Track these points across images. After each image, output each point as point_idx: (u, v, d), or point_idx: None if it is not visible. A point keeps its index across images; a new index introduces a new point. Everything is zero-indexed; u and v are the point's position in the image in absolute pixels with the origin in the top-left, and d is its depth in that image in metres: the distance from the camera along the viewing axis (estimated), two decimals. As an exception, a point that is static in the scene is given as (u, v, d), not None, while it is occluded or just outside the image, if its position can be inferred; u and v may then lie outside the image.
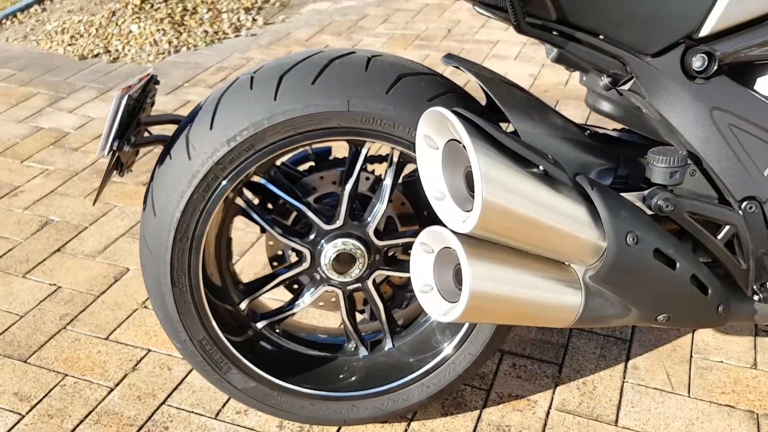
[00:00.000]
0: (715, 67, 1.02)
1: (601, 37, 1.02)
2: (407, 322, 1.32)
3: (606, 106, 1.15)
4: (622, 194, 1.05)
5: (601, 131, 1.22)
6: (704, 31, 1.00)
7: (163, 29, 3.24)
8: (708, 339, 1.48)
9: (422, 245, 1.06)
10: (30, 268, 1.79)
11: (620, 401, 1.35)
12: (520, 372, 1.42)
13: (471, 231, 0.95)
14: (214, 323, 1.16)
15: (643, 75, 1.04)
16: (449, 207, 1.00)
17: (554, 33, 1.02)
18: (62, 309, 1.65)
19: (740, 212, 1.05)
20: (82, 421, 1.36)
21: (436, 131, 0.99)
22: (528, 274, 1.02)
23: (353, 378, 1.26)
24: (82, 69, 2.96)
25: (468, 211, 0.97)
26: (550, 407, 1.34)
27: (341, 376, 1.26)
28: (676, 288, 1.04)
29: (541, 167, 0.97)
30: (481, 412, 1.34)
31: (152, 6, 3.46)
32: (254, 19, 3.45)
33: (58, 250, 1.85)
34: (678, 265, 1.03)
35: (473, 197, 0.94)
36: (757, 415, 1.30)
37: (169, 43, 3.16)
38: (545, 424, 1.31)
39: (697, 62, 1.02)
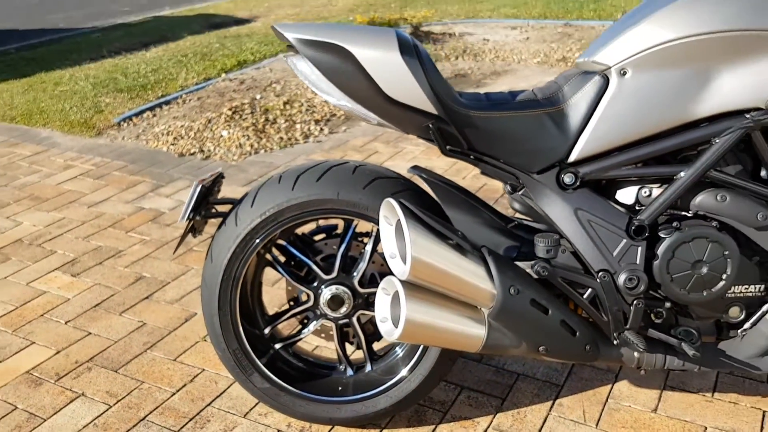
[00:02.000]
0: (579, 182, 1.52)
1: (500, 159, 1.54)
2: (386, 351, 1.82)
3: (516, 206, 1.67)
4: (518, 262, 1.55)
5: (525, 222, 1.72)
6: (571, 158, 1.51)
7: (247, 135, 3.98)
8: (623, 389, 1.88)
9: (383, 289, 1.58)
10: (125, 309, 2.40)
11: (542, 426, 1.77)
12: (472, 402, 1.87)
13: (408, 278, 1.46)
14: (244, 339, 1.70)
15: (531, 186, 1.55)
16: (398, 263, 1.52)
17: (471, 156, 1.55)
18: (145, 338, 2.23)
19: (597, 280, 1.52)
20: (151, 412, 1.90)
21: (390, 213, 1.53)
22: (448, 310, 1.51)
23: (339, 388, 1.76)
24: (179, 164, 3.70)
25: (407, 266, 1.49)
26: (488, 427, 1.78)
27: (331, 386, 1.76)
28: (548, 328, 1.50)
29: (453, 240, 1.49)
30: (436, 427, 1.79)
31: (241, 116, 4.24)
32: (321, 129, 4.15)
33: (147, 297, 2.47)
34: (550, 311, 1.50)
35: (411, 256, 1.46)
36: (644, 442, 1.70)
37: (251, 146, 3.88)
38: (481, 438, 1.75)
39: (567, 179, 1.53)
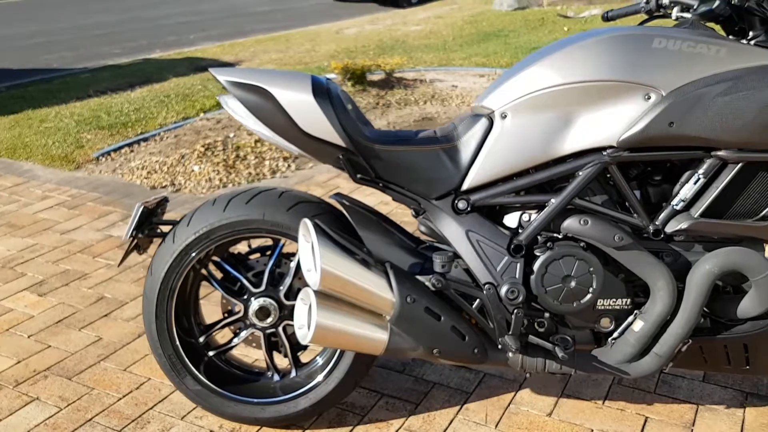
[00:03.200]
0: (470, 208, 1.76)
1: (404, 187, 1.78)
2: (309, 359, 2.03)
3: (422, 228, 1.89)
4: (419, 276, 1.77)
5: (434, 244, 1.94)
6: (464, 187, 1.75)
7: (217, 170, 4.23)
8: (525, 395, 2.09)
9: (301, 299, 1.79)
10: (84, 325, 2.60)
11: (447, 427, 1.97)
12: (389, 407, 2.07)
13: (319, 288, 1.68)
14: (179, 345, 1.90)
15: (430, 210, 1.79)
16: (312, 275, 1.74)
17: (379, 184, 1.79)
18: (100, 351, 2.43)
19: (484, 291, 1.74)
20: (97, 414, 2.09)
21: (307, 232, 1.76)
22: (355, 317, 1.72)
23: (267, 392, 1.96)
24: (150, 196, 3.92)
25: (320, 278, 1.71)
26: (399, 428, 1.98)
27: (259, 390, 1.96)
28: (441, 333, 1.72)
29: (360, 255, 1.72)
30: (353, 428, 1.99)
31: (213, 153, 4.49)
32: (289, 166, 4.40)
33: (106, 315, 2.67)
34: (442, 318, 1.72)
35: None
36: (535, 441, 1.90)
37: (220, 180, 4.12)
38: (392, 437, 1.95)
39: (461, 205, 1.76)
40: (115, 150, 4.71)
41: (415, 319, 1.71)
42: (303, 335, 1.75)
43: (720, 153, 1.61)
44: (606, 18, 2.03)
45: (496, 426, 1.97)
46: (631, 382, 2.12)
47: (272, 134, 1.75)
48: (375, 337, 1.73)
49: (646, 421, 1.96)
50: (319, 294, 1.72)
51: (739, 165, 1.61)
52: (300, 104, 1.68)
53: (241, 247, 2.94)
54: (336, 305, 1.72)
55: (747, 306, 1.69)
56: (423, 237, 2.10)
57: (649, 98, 1.60)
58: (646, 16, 1.99)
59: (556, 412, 2.01)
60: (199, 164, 4.29)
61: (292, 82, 1.70)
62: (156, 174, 4.22)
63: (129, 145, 4.79)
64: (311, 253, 1.75)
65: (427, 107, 5.65)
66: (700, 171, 1.64)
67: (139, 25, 11.97)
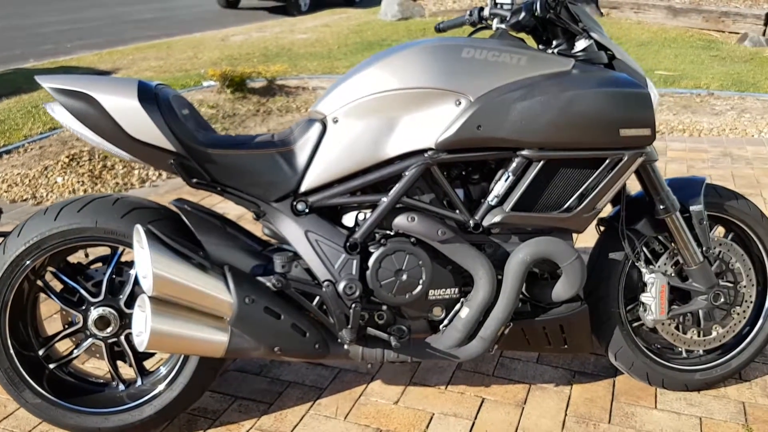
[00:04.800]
0: (309, 209, 1.82)
1: (242, 191, 1.82)
2: (155, 367, 2.02)
3: (266, 231, 1.93)
4: (261, 277, 1.81)
5: (282, 246, 1.98)
6: (302, 189, 1.81)
7: (82, 181, 4.09)
8: (375, 387, 2.17)
9: (139, 307, 1.79)
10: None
11: (298, 423, 2.02)
12: (242, 409, 2.10)
13: (154, 294, 1.69)
14: (15, 359, 1.85)
15: (270, 212, 1.83)
16: (147, 281, 1.74)
17: (217, 188, 1.82)
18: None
19: (323, 289, 1.81)
20: (-68, 438, 1.99)
21: (140, 238, 1.76)
22: (193, 321, 1.74)
23: (112, 401, 1.94)
24: (9, 210, 3.75)
25: (156, 284, 1.72)
26: (251, 428, 2.01)
27: (105, 400, 1.94)
28: (281, 331, 1.76)
29: (195, 259, 1.74)
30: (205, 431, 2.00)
31: (78, 163, 4.34)
32: (160, 174, 4.32)
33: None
34: (282, 316, 1.76)
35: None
36: (379, 429, 1.98)
37: (85, 191, 3.99)
38: (242, 437, 1.98)
39: (300, 206, 1.82)
40: (-28, 163, 4.45)
41: (254, 320, 1.74)
42: (140, 342, 1.75)
43: (524, 152, 1.75)
44: (438, 29, 2.15)
45: (345, 418, 2.04)
46: (472, 366, 2.25)
47: (101, 140, 1.74)
48: (215, 339, 1.76)
49: (482, 402, 2.09)
50: (155, 300, 1.72)
51: (541, 163, 1.76)
52: (125, 109, 1.68)
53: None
54: (173, 310, 1.74)
55: (559, 290, 1.85)
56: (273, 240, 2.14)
57: (459, 104, 1.73)
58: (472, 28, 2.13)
59: (402, 400, 2.11)
60: (63, 175, 4.14)
61: (117, 87, 1.70)
62: (17, 187, 4.04)
63: (-11, 158, 4.55)
64: (147, 261, 1.75)
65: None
66: (510, 169, 1.77)
67: (14, 34, 11.33)
